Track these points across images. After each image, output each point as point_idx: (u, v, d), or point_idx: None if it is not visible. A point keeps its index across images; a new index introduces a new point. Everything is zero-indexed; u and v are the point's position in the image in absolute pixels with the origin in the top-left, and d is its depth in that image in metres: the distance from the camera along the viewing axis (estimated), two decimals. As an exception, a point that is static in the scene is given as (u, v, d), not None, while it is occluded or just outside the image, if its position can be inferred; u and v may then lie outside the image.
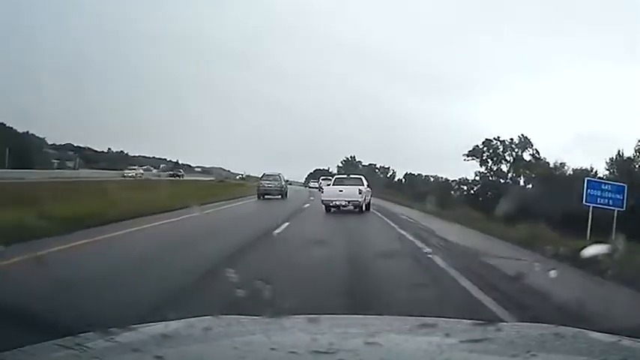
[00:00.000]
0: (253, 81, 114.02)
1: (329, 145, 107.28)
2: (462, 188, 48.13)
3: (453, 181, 49.88)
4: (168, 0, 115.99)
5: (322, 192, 24.01)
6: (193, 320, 1.86)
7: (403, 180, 67.65)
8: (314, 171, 75.81)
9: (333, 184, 22.68)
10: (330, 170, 71.27)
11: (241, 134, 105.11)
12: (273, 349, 1.57)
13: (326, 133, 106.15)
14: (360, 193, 21.10)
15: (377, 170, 74.29)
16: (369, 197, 22.91)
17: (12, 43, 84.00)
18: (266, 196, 29.31)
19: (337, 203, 20.84)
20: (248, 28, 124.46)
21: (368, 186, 22.93)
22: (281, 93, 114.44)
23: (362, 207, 21.09)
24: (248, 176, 64.98)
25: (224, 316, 1.98)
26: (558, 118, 79.56)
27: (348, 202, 20.90)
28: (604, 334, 1.80)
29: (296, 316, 2.08)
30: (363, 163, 74.83)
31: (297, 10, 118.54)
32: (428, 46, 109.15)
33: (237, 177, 66.79)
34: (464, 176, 48.85)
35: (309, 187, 52.78)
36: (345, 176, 24.82)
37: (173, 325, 1.79)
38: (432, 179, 61.50)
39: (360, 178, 23.12)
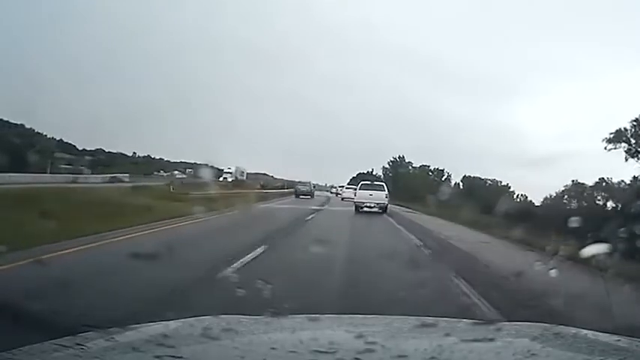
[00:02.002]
0: (294, 85, 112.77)
1: (375, 147, 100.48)
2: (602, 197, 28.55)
3: (581, 184, 30.55)
4: (205, 3, 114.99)
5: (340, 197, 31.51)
6: (193, 320, 1.86)
7: (461, 185, 55.19)
8: (357, 175, 65.88)
9: (360, 189, 27.36)
10: (374, 173, 64.64)
11: (282, 139, 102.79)
12: (273, 348, 1.57)
13: (371, 136, 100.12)
14: (386, 197, 26.40)
15: (430, 173, 60.97)
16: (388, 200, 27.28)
17: (43, 49, 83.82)
18: (300, 196, 41.01)
19: (368, 204, 25.44)
20: (289, 32, 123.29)
21: (388, 190, 27.80)
22: (322, 96, 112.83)
23: (385, 208, 25.82)
24: (246, 175, 53.37)
25: (224, 316, 1.98)
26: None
27: (377, 204, 25.57)
28: (604, 334, 1.80)
29: (296, 315, 2.08)
30: (413, 165, 63.36)
31: (338, 15, 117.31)
32: (473, 47, 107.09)
33: (222, 177, 48.43)
34: (609, 177, 31.05)
35: (330, 193, 54.52)
36: (369, 183, 29.72)
37: (173, 325, 1.78)
38: (488, 183, 51.67)
39: (382, 185, 28.24)
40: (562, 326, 2.00)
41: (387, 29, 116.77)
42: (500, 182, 51.80)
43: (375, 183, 29.36)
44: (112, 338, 1.55)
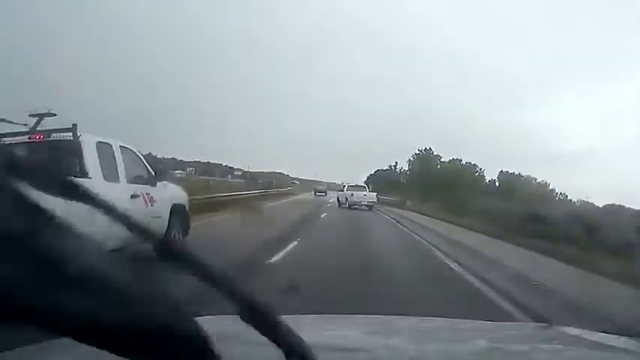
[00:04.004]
0: (315, 85, 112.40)
1: (396, 145, 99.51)
2: None
3: None
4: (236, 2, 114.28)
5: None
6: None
7: (497, 182, 48.34)
8: (374, 172, 62.66)
9: (348, 190, 32.32)
10: (397, 167, 59.06)
11: (300, 139, 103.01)
12: (272, 348, 1.46)
13: (393, 134, 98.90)
14: (375, 198, 31.90)
15: (462, 166, 51.44)
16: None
17: (47, 48, 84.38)
18: (317, 194, 49.96)
19: (361, 203, 30.03)
20: (311, 31, 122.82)
21: (371, 190, 33.98)
22: (342, 94, 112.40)
23: (372, 206, 30.33)
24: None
25: (224, 316, 1.91)
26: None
27: (368, 202, 30.42)
28: (605, 335, 1.80)
29: (296, 315, 2.06)
30: (442, 158, 53.63)
31: (359, 12, 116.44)
32: (502, 46, 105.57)
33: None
34: None
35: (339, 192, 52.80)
36: (355, 185, 34.49)
37: None
38: (533, 182, 44.81)
39: (364, 186, 34.10)
40: (562, 326, 2.02)
41: (407, 27, 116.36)
42: (536, 179, 46.55)
43: (359, 185, 34.97)
44: None
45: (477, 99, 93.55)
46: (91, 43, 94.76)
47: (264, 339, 1.64)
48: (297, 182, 77.88)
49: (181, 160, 66.18)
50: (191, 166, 64.69)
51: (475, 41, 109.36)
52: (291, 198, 40.24)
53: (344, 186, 34.62)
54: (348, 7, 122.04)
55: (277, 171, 74.08)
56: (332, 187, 56.89)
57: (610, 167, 64.23)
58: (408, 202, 36.44)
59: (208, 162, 71.81)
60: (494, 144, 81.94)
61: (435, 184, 39.16)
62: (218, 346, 1.50)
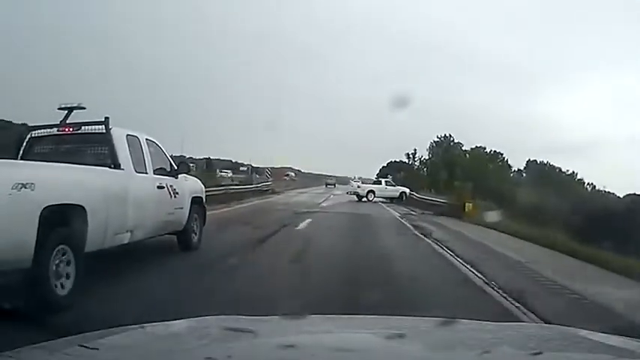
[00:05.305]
0: (323, 78, 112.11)
1: (410, 137, 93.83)
2: None
3: None
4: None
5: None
6: (193, 320, 1.86)
7: (524, 172, 44.25)
8: (387, 164, 59.14)
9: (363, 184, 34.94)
10: (415, 157, 52.69)
11: (313, 133, 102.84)
12: (271, 349, 1.57)
13: (405, 126, 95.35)
14: (381, 190, 33.25)
15: (487, 155, 45.26)
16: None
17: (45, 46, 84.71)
18: (328, 186, 58.07)
19: (371, 195, 32.29)
20: (327, 28, 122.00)
21: (387, 183, 34.98)
22: (348, 89, 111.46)
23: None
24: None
25: (224, 316, 1.99)
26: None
27: (385, 196, 32.66)
28: (604, 335, 1.80)
29: (298, 316, 2.09)
30: (463, 147, 46.41)
31: (374, 11, 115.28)
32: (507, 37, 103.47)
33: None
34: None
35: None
36: (375, 179, 36.85)
37: (173, 326, 1.79)
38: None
39: (380, 181, 35.35)
40: (563, 326, 2.03)
41: (418, 20, 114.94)
42: (560, 168, 42.98)
43: (380, 180, 36.57)
44: (112, 338, 1.56)
45: (483, 88, 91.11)
46: (93, 42, 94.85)
47: (265, 338, 1.63)
48: (293, 174, 72.89)
49: (190, 157, 65.64)
50: (193, 162, 64.06)
51: (489, 30, 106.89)
52: (257, 202, 24.35)
53: (362, 181, 35.98)
54: (356, 3, 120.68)
55: (287, 166, 72.93)
56: (341, 180, 60.03)
57: (616, 157, 62.95)
58: (469, 207, 20.61)
59: (217, 158, 70.69)
60: (502, 133, 79.58)
61: (467, 177, 31.92)
62: (219, 346, 1.52)
